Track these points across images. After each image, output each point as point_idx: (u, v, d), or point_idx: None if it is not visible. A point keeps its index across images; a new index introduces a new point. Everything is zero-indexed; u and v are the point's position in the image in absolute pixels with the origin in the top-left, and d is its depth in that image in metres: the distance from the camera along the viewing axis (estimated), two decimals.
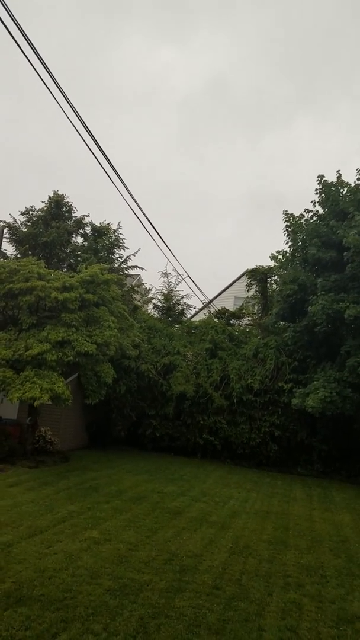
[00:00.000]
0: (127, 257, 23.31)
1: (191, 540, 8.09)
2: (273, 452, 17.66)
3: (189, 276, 28.64)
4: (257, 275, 22.60)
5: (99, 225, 22.93)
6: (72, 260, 22.21)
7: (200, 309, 26.06)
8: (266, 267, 21.84)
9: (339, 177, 17.49)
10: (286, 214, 18.30)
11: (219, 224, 72.00)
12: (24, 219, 22.14)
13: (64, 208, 22.55)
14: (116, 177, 10.16)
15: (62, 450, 15.20)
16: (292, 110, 70.27)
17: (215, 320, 22.21)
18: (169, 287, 23.60)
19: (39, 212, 22.20)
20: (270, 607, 5.82)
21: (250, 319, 23.49)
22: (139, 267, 23.78)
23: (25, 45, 7.91)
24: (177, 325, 22.30)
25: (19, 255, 20.89)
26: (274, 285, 21.77)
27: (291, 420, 17.61)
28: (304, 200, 53.08)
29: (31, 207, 22.25)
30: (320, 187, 17.51)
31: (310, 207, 18.00)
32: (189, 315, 24.64)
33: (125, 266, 23.34)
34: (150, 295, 25.85)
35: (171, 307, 23.42)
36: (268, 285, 22.55)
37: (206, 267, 58.83)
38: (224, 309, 23.64)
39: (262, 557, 7.64)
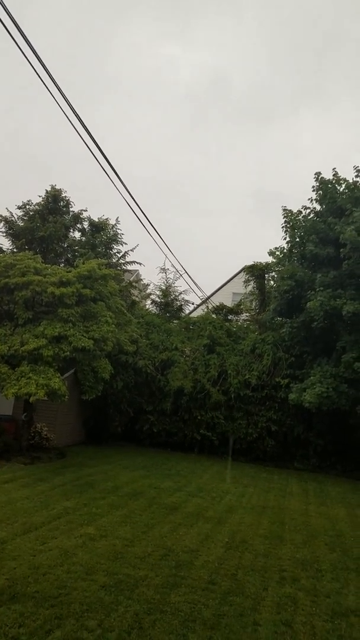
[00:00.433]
0: (126, 252, 23.29)
1: (187, 535, 8.09)
2: (270, 447, 17.73)
3: (186, 272, 28.57)
4: (255, 272, 22.59)
5: (97, 220, 22.85)
6: (69, 255, 22.12)
7: (199, 305, 26.02)
8: (264, 264, 21.84)
9: (335, 174, 17.54)
10: (285, 210, 18.33)
11: (220, 220, 71.87)
12: (21, 213, 22.05)
13: (61, 203, 22.45)
14: (112, 172, 10.06)
15: (58, 446, 15.18)
16: (294, 106, 70.04)
17: (213, 316, 22.19)
18: (167, 282, 23.60)
19: (36, 206, 22.09)
20: (266, 602, 5.83)
21: (247, 314, 23.49)
22: (137, 263, 23.75)
23: (20, 40, 7.81)
24: (175, 321, 22.27)
25: (15, 250, 20.80)
26: (272, 282, 21.77)
27: (288, 415, 17.68)
28: (304, 196, 52.95)
29: (28, 201, 22.18)
30: (318, 184, 17.56)
31: (308, 204, 18.04)
32: (187, 311, 24.64)
33: (123, 261, 23.29)
34: (148, 290, 25.81)
35: (169, 303, 23.39)
36: (266, 281, 22.55)
37: (205, 263, 58.73)
38: (222, 305, 23.62)
39: (258, 551, 7.66)
